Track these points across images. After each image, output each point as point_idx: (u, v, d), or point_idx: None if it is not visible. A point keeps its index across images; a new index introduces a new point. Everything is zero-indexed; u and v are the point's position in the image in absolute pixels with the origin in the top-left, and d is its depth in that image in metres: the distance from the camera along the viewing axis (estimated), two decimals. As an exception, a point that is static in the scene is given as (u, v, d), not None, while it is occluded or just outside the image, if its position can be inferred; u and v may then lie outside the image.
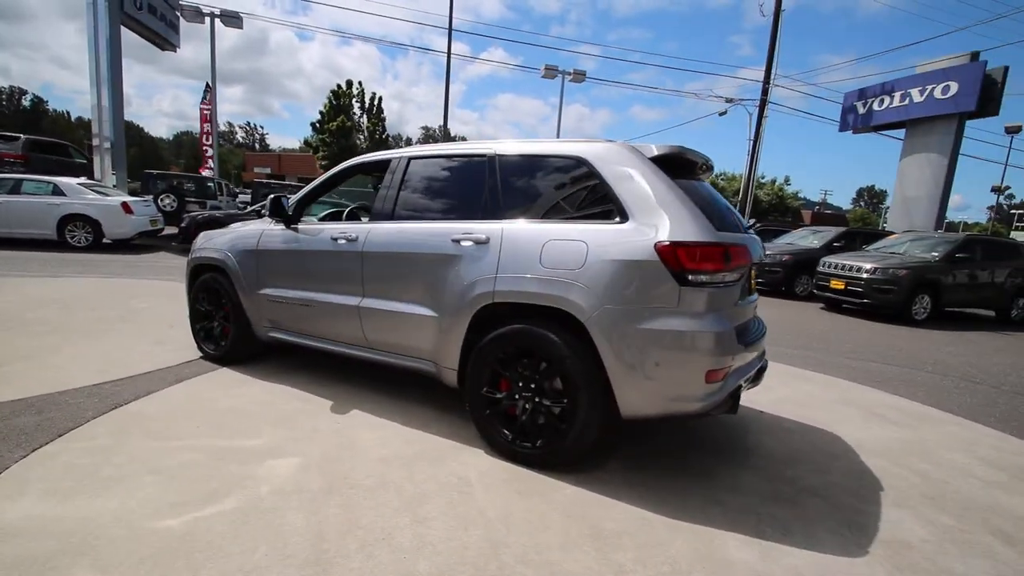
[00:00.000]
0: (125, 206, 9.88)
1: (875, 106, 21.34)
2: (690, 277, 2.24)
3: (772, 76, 21.08)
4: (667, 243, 2.26)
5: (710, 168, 2.91)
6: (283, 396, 3.33)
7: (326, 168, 32.42)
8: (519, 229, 2.61)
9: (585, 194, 2.57)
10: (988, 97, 17.77)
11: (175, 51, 16.97)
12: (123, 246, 10.69)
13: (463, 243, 2.73)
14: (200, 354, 4.06)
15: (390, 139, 36.47)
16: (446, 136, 20.39)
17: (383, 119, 34.27)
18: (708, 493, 2.45)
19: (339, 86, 32.65)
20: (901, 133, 20.49)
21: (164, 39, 16.03)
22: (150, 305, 5.72)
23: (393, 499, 2.21)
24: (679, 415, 2.37)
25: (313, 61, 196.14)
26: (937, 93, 18.85)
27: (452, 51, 19.61)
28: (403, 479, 2.37)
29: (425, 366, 2.97)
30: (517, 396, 2.60)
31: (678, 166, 2.62)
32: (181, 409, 3.02)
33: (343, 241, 3.20)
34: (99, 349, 4.02)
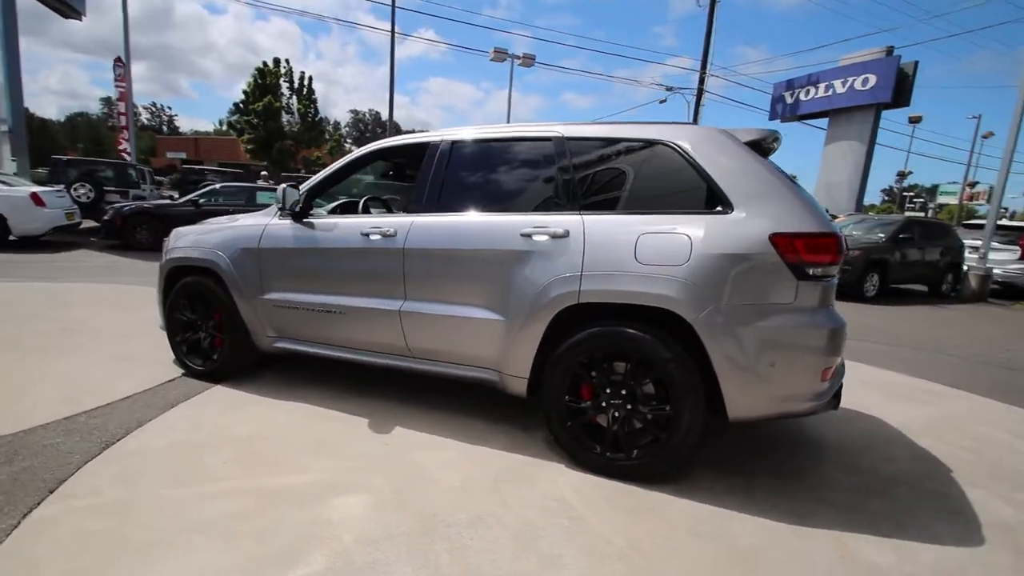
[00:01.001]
0: (35, 197, 8.50)
1: (802, 96, 22.73)
2: (809, 270, 2.10)
3: (708, 66, 21.87)
4: (784, 234, 2.10)
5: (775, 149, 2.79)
6: (305, 416, 2.90)
7: (253, 153, 30.23)
8: (605, 221, 2.35)
9: (677, 182, 2.35)
10: (901, 89, 19.38)
11: (80, 19, 14.78)
12: (33, 244, 9.24)
13: (535, 238, 2.43)
14: (183, 371, 3.48)
15: (323, 121, 34.43)
16: (392, 127, 19.38)
17: (314, 100, 32.28)
18: (811, 493, 2.36)
19: (265, 64, 30.30)
20: (824, 122, 21.93)
21: (68, 5, 13.83)
22: (92, 314, 4.91)
23: (502, 535, 1.92)
24: (788, 415, 2.25)
25: (225, 36, 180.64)
26: (857, 85, 20.34)
27: (379, 30, 18.62)
28: (499, 509, 2.08)
29: (483, 375, 2.67)
30: (604, 404, 2.37)
31: (757, 149, 2.46)
32: (192, 442, 2.53)
33: (377, 237, 2.79)
34: (52, 371, 3.35)
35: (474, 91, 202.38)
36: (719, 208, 2.22)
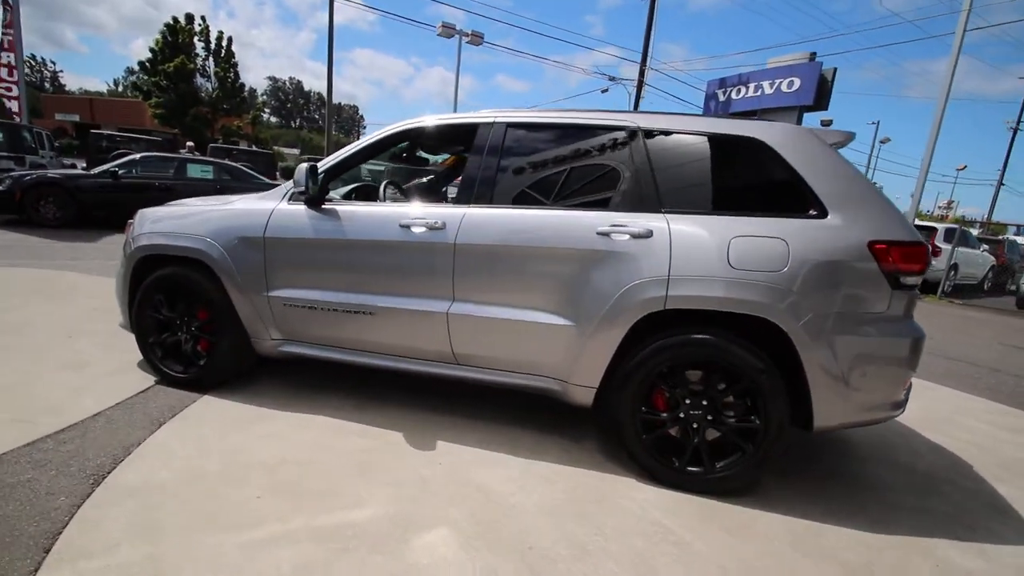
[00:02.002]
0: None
1: (733, 95, 23.88)
2: (902, 279, 2.07)
3: (648, 58, 22.44)
4: (882, 241, 2.05)
5: None
6: (331, 432, 2.54)
7: (163, 118, 27.19)
8: (692, 222, 2.20)
9: (766, 183, 2.24)
10: (822, 93, 20.88)
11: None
12: (-102, 215, 7.61)
13: (614, 237, 2.24)
14: (156, 378, 2.95)
15: (245, 88, 31.59)
16: (329, 106, 18.01)
17: (235, 64, 29.50)
18: (875, 495, 2.39)
19: (175, 20, 27.15)
20: (754, 120, 23.16)
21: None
22: (14, 304, 4.09)
23: (614, 568, 1.74)
24: (868, 423, 2.24)
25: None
26: (784, 87, 21.68)
27: (334, -7, 17.25)
28: (597, 537, 1.90)
29: (542, 384, 2.45)
30: (683, 415, 2.25)
31: None
32: (208, 472, 2.11)
33: (421, 230, 2.46)
34: (-12, 383, 2.71)
35: (404, 66, 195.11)
36: (812, 212, 2.14)
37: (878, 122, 38.82)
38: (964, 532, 2.16)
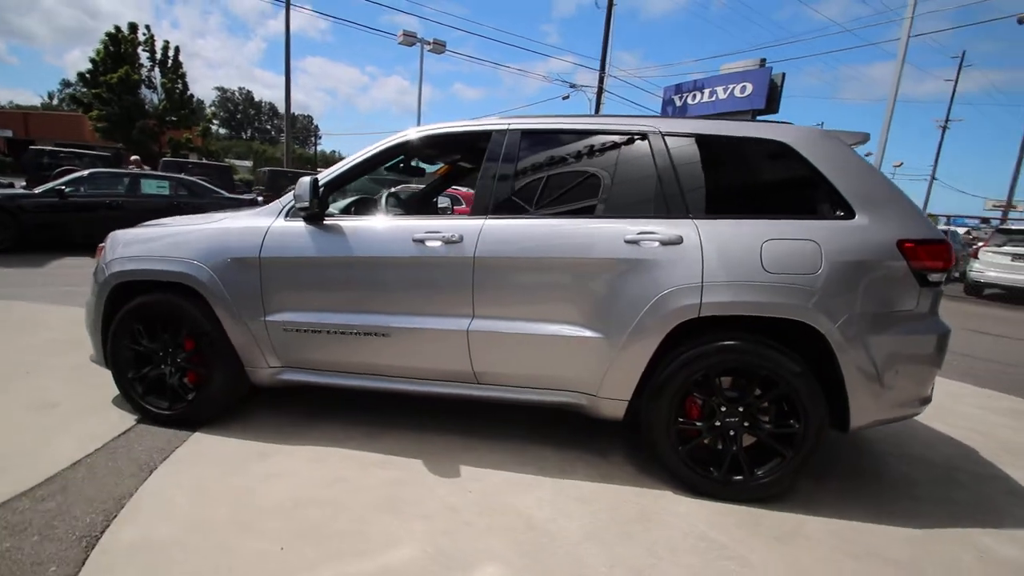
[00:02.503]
0: None
1: (689, 100, 24.61)
2: (930, 277, 2.09)
3: (607, 65, 22.94)
4: (911, 240, 2.06)
5: None
6: (347, 465, 2.35)
7: (105, 132, 25.76)
8: (723, 226, 2.15)
9: (793, 186, 2.23)
10: (772, 97, 21.77)
11: None
12: None
13: (643, 244, 2.17)
14: (137, 416, 2.69)
15: (194, 99, 30.29)
16: (288, 117, 17.48)
17: (183, 75, 28.23)
18: (903, 492, 2.40)
19: (118, 29, 25.78)
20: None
21: None
22: (-42, 342, 3.68)
23: (679, 595, 1.65)
24: (898, 419, 2.25)
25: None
26: (737, 92, 22.48)
27: None
28: (652, 559, 1.81)
29: (569, 399, 2.35)
30: (719, 424, 2.20)
31: None
32: (217, 521, 1.90)
33: (437, 244, 2.32)
34: (-59, 435, 2.39)
35: (359, 75, 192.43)
36: (840, 213, 2.13)
37: (822, 123, 40.85)
38: (993, 519, 2.19)
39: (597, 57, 22.41)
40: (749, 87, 22.11)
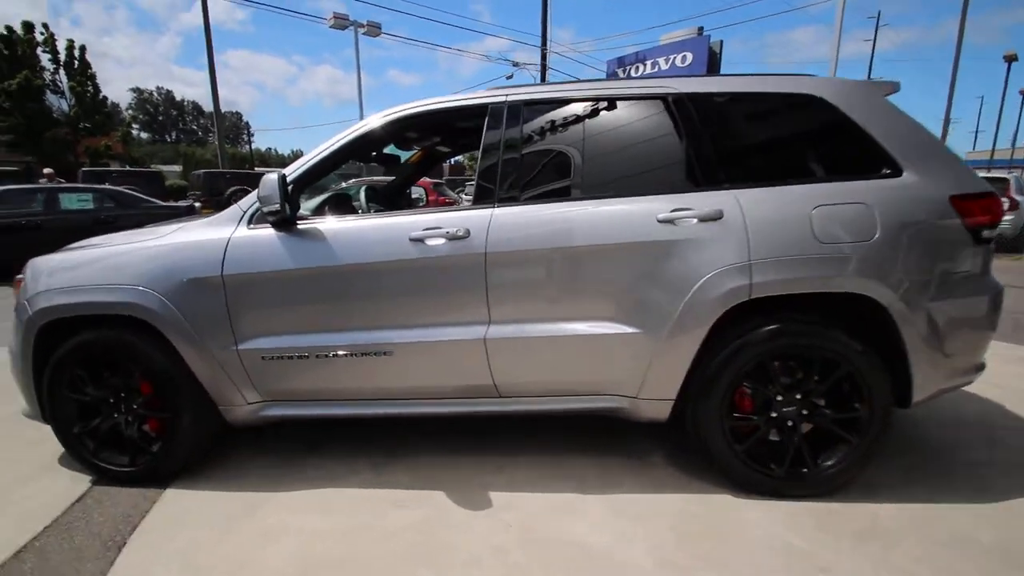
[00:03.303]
0: None
1: (632, 72, 24.68)
2: (984, 233, 1.93)
3: (548, 41, 22.66)
4: (962, 195, 1.89)
5: None
6: (358, 509, 2.01)
7: (11, 146, 23.38)
8: (765, 195, 1.91)
9: (832, 144, 2.01)
10: (712, 64, 22.07)
11: None
12: None
13: (679, 223, 1.90)
14: (92, 477, 2.24)
15: (108, 102, 27.85)
16: (217, 116, 16.19)
17: (92, 76, 25.84)
18: (957, 460, 2.29)
19: (10, 30, 23.19)
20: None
21: None
22: None
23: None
24: (955, 389, 2.11)
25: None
26: (678, 61, 22.65)
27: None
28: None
29: (605, 404, 2.10)
30: (776, 415, 1.99)
31: None
32: (214, 608, 1.54)
33: (439, 242, 1.98)
34: None
35: (286, 66, 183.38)
36: (886, 171, 1.94)
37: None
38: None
39: (532, 33, 21.96)
40: (689, 56, 22.29)
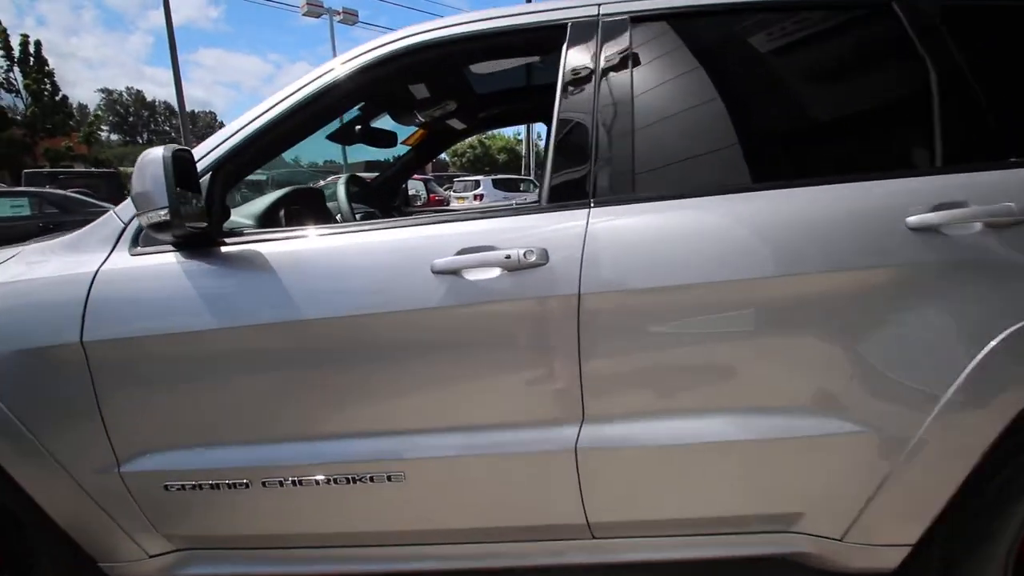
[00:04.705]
0: None
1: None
2: None
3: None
4: None
5: None
6: None
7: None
8: None
9: None
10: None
11: None
12: None
13: (950, 231, 1.00)
14: None
15: (69, 102, 26.29)
16: (182, 114, 14.96)
17: (49, 73, 24.26)
18: None
19: (-44, 23, 21.60)
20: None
21: None
22: None
23: None
24: None
25: None
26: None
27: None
28: None
29: (780, 547, 1.19)
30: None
31: None
32: None
33: (490, 273, 1.04)
34: None
35: (261, 64, 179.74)
36: None
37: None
38: None
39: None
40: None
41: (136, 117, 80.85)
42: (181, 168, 1.04)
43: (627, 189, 1.08)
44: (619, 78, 1.11)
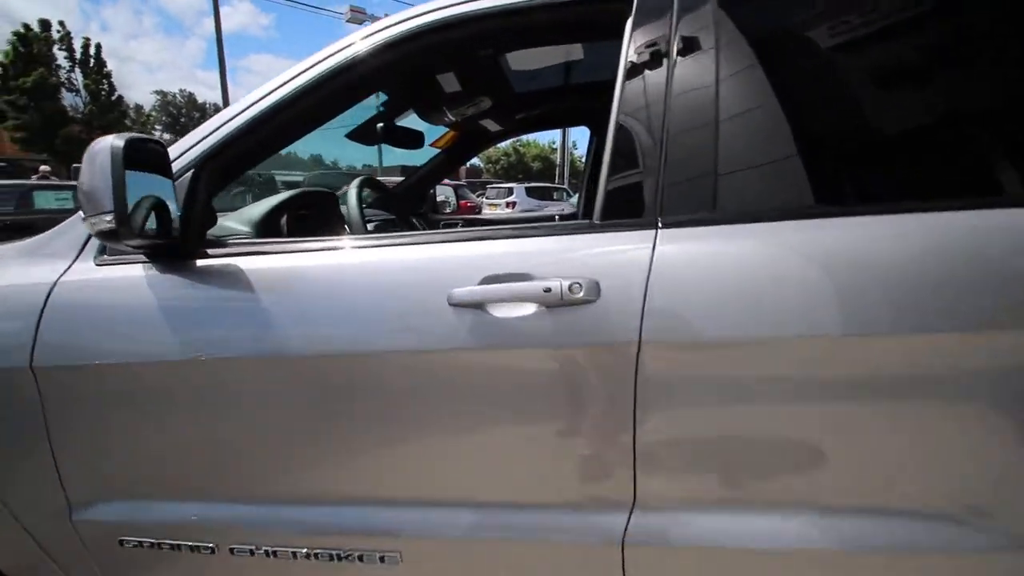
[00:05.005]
0: None
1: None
2: None
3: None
4: None
5: None
6: None
7: (25, 143, 23.07)
8: None
9: None
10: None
11: None
12: None
13: None
14: None
15: (124, 101, 27.53)
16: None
17: (107, 74, 25.51)
18: None
19: (27, 28, 22.92)
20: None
21: None
22: None
23: None
24: None
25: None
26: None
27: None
28: None
29: None
30: None
31: None
32: None
33: (524, 310, 0.80)
34: None
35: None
36: None
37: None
38: None
39: None
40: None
41: (187, 118, 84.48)
42: (153, 163, 0.85)
43: (707, 206, 0.82)
44: (701, 61, 0.85)
